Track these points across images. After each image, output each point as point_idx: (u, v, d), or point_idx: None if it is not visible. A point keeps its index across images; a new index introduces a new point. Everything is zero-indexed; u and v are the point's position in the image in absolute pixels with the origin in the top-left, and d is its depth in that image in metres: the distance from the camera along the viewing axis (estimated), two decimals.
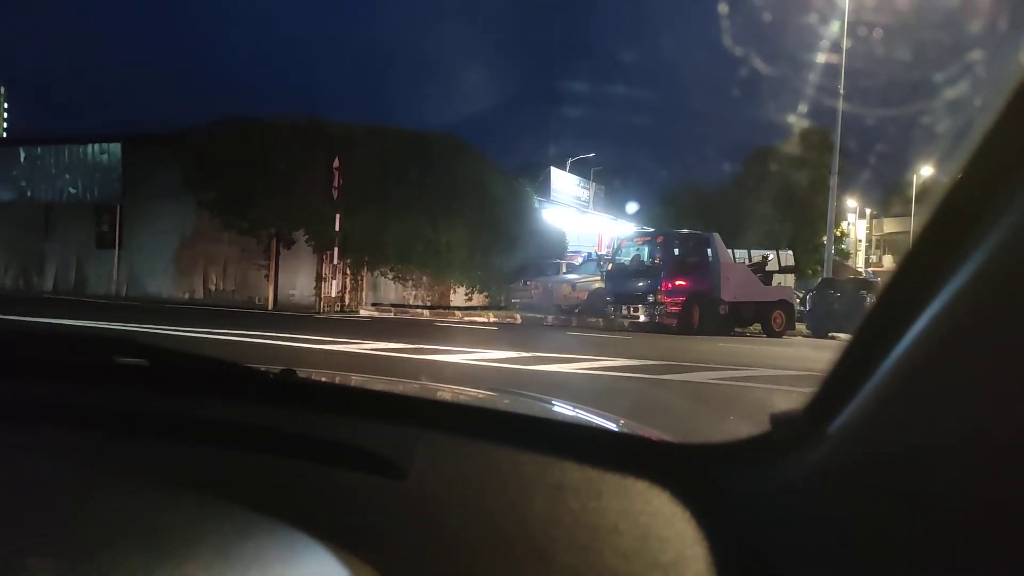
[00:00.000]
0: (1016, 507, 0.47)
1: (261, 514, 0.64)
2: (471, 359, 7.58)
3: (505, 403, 1.27)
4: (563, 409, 1.29)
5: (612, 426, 1.09)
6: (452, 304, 19.21)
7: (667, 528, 0.63)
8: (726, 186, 36.93)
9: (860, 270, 42.34)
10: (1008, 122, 0.49)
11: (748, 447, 0.70)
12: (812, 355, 10.30)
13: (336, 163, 16.72)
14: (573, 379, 6.43)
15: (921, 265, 0.55)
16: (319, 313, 16.47)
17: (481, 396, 1.40)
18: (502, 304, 19.77)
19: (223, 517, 0.64)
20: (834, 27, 18.49)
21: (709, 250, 15.79)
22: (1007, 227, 0.48)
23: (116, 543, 0.57)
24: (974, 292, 0.49)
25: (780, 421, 0.69)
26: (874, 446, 0.56)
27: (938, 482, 0.51)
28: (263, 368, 0.96)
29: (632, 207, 32.15)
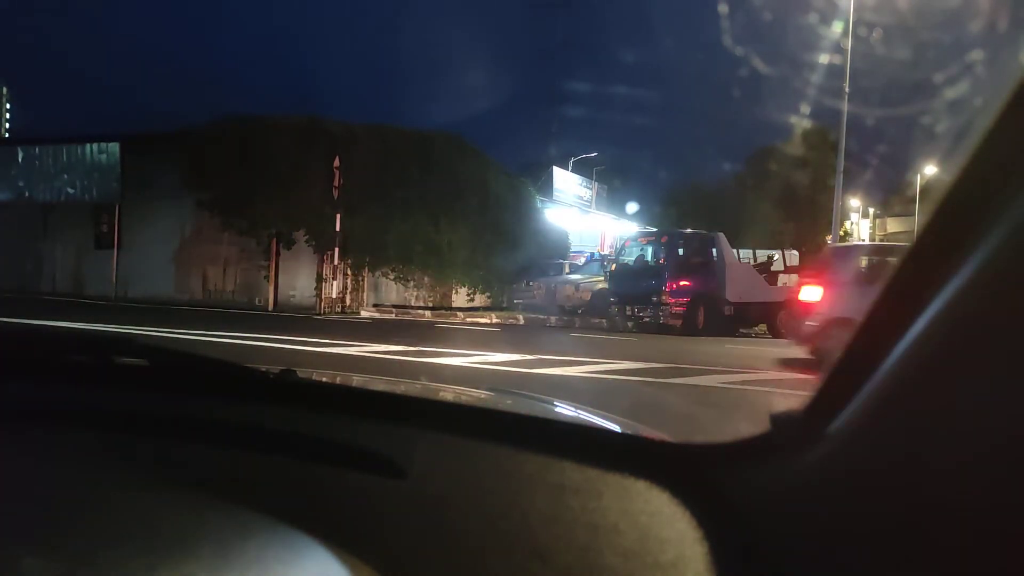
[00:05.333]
0: (1017, 507, 0.46)
1: (261, 514, 0.64)
2: (473, 362, 7.56)
3: (506, 403, 1.27)
4: (564, 409, 1.29)
5: (613, 426, 1.09)
6: (454, 305, 19.17)
7: (667, 528, 0.63)
8: (728, 186, 36.89)
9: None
10: (1008, 122, 0.49)
11: (748, 448, 0.69)
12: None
13: (336, 162, 16.69)
14: (577, 383, 6.40)
15: (921, 265, 0.55)
16: (320, 314, 16.46)
17: (482, 396, 1.40)
18: (504, 305, 19.73)
19: (223, 517, 0.64)
20: (835, 27, 18.44)
21: (714, 250, 15.67)
22: (1007, 227, 0.48)
23: (116, 543, 0.57)
24: (974, 292, 0.49)
25: (780, 422, 0.69)
26: (874, 446, 0.56)
27: (938, 482, 0.51)
28: (263, 368, 0.97)
29: (634, 207, 32.14)
